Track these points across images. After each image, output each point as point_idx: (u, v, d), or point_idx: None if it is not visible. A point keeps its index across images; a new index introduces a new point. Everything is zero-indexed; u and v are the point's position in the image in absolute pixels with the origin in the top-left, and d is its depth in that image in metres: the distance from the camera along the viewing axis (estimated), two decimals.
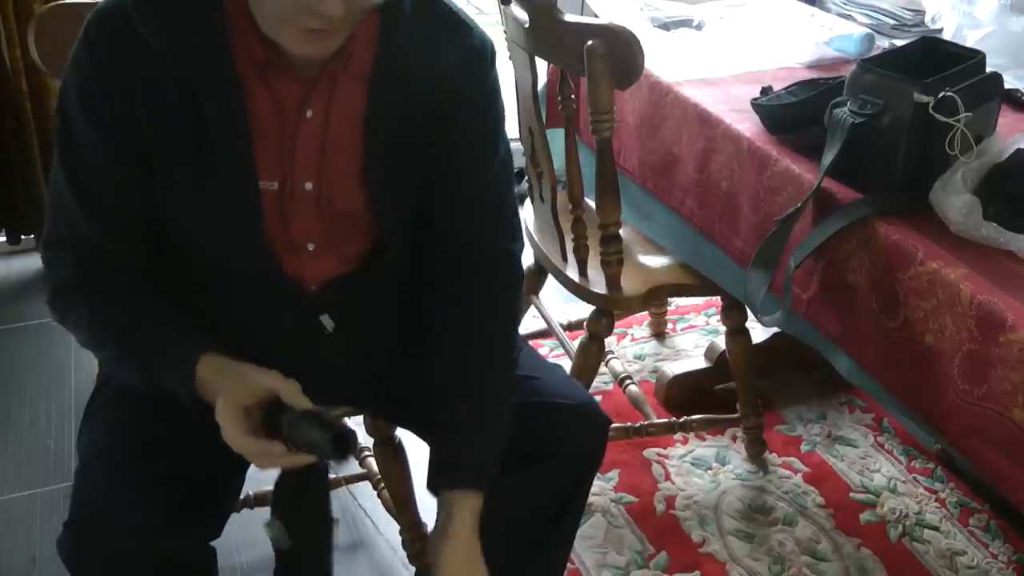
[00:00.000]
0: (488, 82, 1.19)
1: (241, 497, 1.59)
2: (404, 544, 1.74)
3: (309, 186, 1.14)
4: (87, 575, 1.14)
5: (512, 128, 2.00)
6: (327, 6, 0.95)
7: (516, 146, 2.00)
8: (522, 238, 1.30)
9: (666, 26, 2.07)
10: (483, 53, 1.18)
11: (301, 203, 1.14)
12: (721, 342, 2.12)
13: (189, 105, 1.06)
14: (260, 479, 1.42)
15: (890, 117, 1.35)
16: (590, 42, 1.52)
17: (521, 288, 1.31)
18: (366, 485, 1.85)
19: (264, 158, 1.11)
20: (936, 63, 1.39)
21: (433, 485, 1.19)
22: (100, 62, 1.06)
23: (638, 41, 1.52)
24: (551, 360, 2.33)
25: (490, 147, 1.22)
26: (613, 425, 2.01)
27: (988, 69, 1.42)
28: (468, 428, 1.19)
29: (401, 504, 1.71)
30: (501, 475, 1.19)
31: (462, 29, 1.17)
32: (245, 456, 1.05)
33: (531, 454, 1.23)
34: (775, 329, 1.87)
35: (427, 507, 1.70)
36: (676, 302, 2.57)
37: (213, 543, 1.23)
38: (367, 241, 1.22)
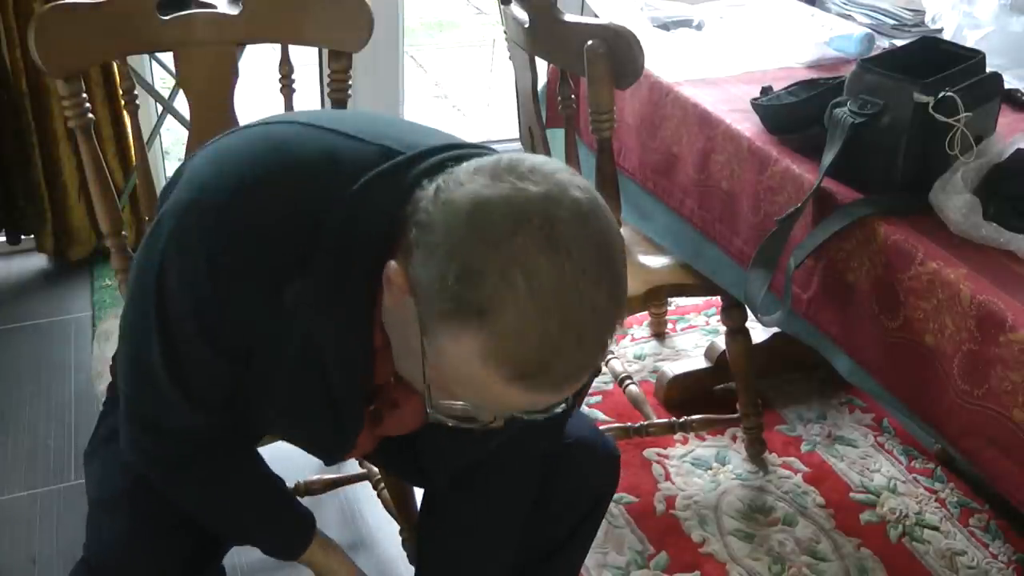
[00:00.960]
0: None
1: None
2: (404, 544, 1.74)
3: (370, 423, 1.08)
4: None
5: (512, 128, 2.00)
6: (495, 424, 0.88)
7: (516, 146, 2.01)
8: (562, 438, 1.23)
9: (666, 26, 2.07)
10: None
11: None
12: (721, 342, 2.12)
13: (311, 349, 0.94)
14: None
15: (890, 117, 1.35)
16: (590, 42, 1.52)
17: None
18: (366, 485, 1.86)
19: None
20: (936, 63, 1.39)
21: None
22: (226, 297, 0.90)
23: (638, 41, 1.52)
24: None
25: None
26: (613, 425, 2.02)
27: (988, 69, 1.42)
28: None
29: (401, 504, 1.71)
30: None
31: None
32: None
33: (541, 491, 1.24)
34: (775, 329, 1.87)
35: None
36: (676, 302, 2.57)
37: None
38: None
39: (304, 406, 1.00)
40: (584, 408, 2.10)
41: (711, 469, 2.04)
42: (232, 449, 1.11)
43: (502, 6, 1.78)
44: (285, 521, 1.20)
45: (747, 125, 1.62)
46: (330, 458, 1.16)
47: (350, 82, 1.61)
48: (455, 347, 0.78)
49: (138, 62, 2.51)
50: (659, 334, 2.48)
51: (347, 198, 0.87)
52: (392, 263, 0.83)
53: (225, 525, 1.17)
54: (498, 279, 0.75)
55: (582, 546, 1.37)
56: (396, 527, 1.75)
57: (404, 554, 1.74)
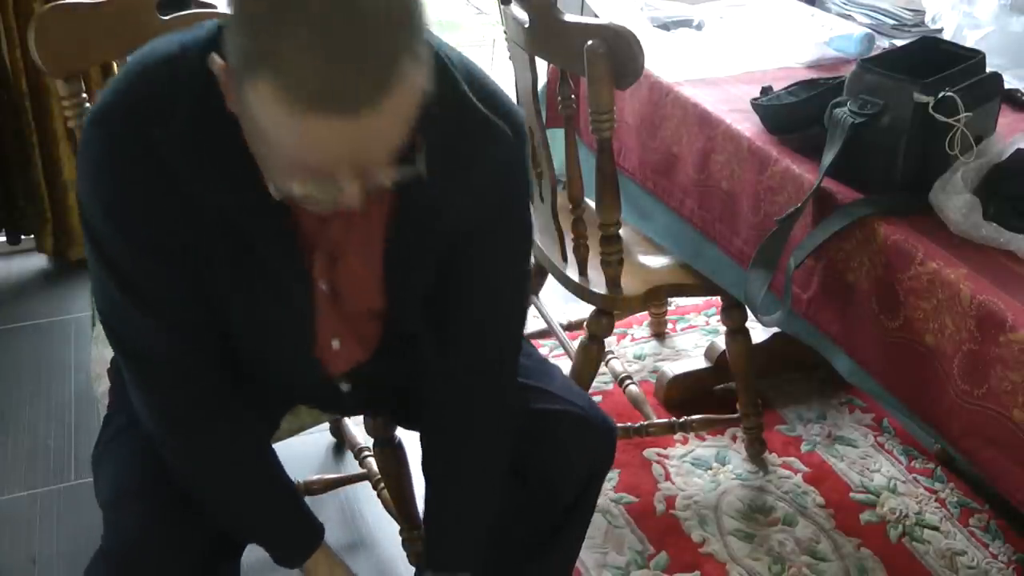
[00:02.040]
0: (519, 188, 1.13)
1: None
2: (404, 544, 1.74)
3: (324, 286, 1.10)
4: None
5: None
6: (345, 200, 0.88)
7: None
8: (517, 361, 1.25)
9: (666, 26, 2.07)
10: (515, 164, 1.10)
11: (322, 303, 1.12)
12: (721, 342, 2.12)
13: (223, 221, 1.01)
14: None
15: (890, 117, 1.35)
16: (590, 42, 1.52)
17: (514, 410, 1.26)
18: (366, 485, 1.85)
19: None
20: (936, 63, 1.39)
21: (424, 569, 1.25)
22: (126, 186, 0.98)
23: (638, 41, 1.52)
24: (551, 360, 2.33)
25: (512, 263, 1.18)
26: None
27: (988, 69, 1.42)
28: (453, 524, 1.24)
29: (401, 504, 1.71)
30: (505, 483, 1.24)
31: (494, 135, 1.06)
32: None
33: (534, 463, 1.24)
34: (775, 329, 1.87)
35: None
36: (676, 302, 2.57)
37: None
38: (385, 333, 1.22)
39: (248, 289, 1.06)
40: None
41: (711, 469, 2.04)
42: (234, 413, 1.14)
43: (502, 6, 1.78)
44: (291, 524, 1.21)
45: (747, 125, 1.62)
46: (305, 358, 1.17)
47: None
48: (260, 104, 0.82)
49: None
50: (659, 334, 2.48)
51: (185, 51, 0.96)
52: (212, 54, 0.89)
53: (230, 513, 1.17)
54: (270, 21, 0.79)
55: (577, 533, 1.36)
56: (396, 527, 1.75)
57: (404, 554, 1.74)
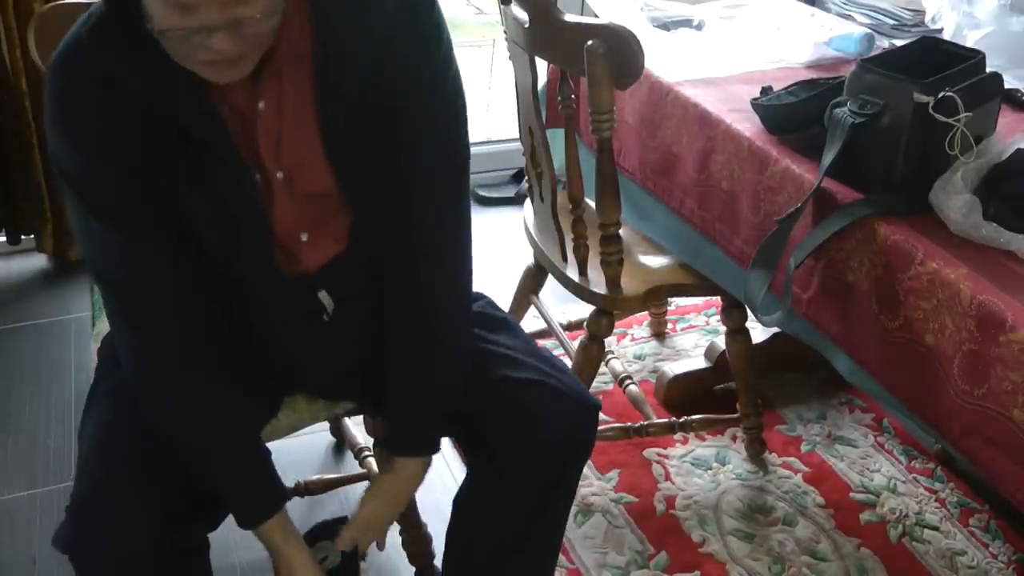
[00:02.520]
0: (429, 28, 1.16)
1: None
2: (404, 544, 1.74)
3: (280, 175, 1.15)
4: (87, 559, 1.16)
5: (512, 128, 2.00)
6: (215, 44, 0.97)
7: (516, 146, 2.01)
8: (467, 178, 1.27)
9: (666, 26, 2.07)
10: (417, 4, 1.14)
11: (279, 193, 1.17)
12: (721, 342, 2.12)
13: (167, 126, 1.08)
14: None
15: (890, 117, 1.35)
16: (590, 42, 1.52)
17: (469, 228, 1.28)
18: (366, 485, 1.85)
19: (243, 156, 1.13)
20: (936, 63, 1.39)
21: (382, 447, 1.31)
22: (86, 115, 1.07)
23: (638, 41, 1.52)
24: None
25: (437, 91, 1.19)
26: (613, 425, 2.02)
27: (988, 69, 1.42)
28: (414, 401, 1.28)
29: None
30: (483, 458, 1.28)
31: None
32: None
33: (502, 432, 1.25)
34: (775, 329, 1.87)
35: (427, 507, 1.70)
36: (676, 302, 2.57)
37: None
38: (348, 220, 1.24)
39: (206, 195, 1.11)
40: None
41: (711, 469, 2.04)
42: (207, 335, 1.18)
43: (502, 6, 1.78)
44: (254, 483, 1.23)
45: (747, 125, 1.62)
46: (271, 260, 1.19)
47: None
48: None
49: None
50: (659, 334, 2.48)
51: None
52: None
53: (196, 460, 1.20)
54: None
55: (557, 519, 1.36)
56: (396, 527, 1.75)
57: (404, 554, 1.74)
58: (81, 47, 1.06)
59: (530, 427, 1.25)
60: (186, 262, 1.15)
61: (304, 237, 1.21)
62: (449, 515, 1.39)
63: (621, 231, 1.72)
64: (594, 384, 2.02)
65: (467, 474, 1.38)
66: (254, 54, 1.04)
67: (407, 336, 1.26)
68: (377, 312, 1.29)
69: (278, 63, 1.10)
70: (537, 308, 2.19)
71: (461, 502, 1.38)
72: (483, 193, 3.21)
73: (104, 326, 1.55)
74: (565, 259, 1.85)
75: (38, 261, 2.75)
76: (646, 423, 1.98)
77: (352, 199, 1.20)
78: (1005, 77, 1.49)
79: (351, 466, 1.95)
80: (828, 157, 1.41)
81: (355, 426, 1.91)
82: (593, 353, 1.86)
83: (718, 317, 2.13)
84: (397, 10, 1.12)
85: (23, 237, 2.69)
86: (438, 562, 1.70)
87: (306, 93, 1.13)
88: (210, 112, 1.09)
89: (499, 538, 1.33)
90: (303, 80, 1.12)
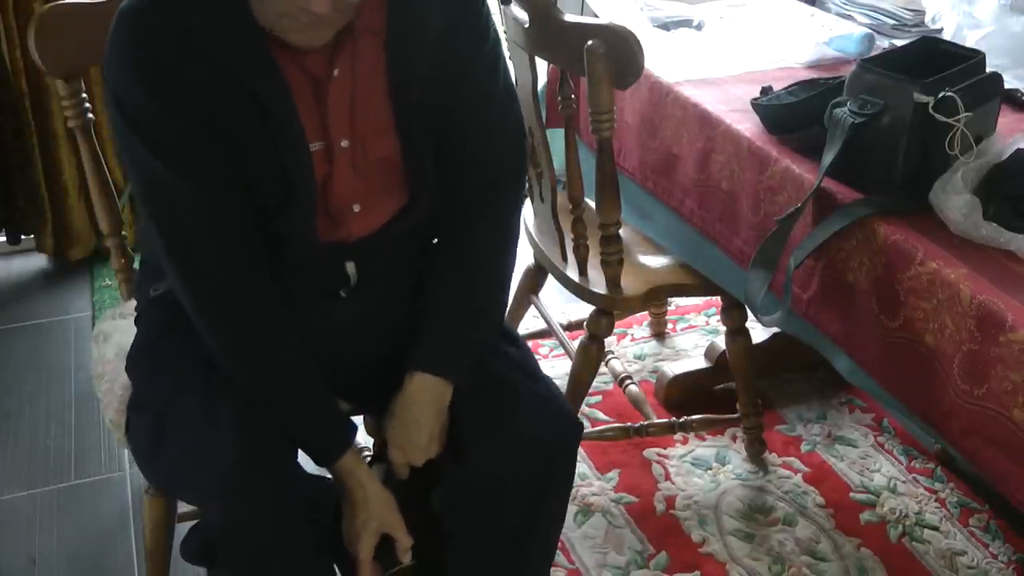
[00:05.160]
0: (484, 8, 1.26)
1: None
2: None
3: (345, 143, 1.19)
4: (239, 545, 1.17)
5: None
6: (314, 6, 1.03)
7: None
8: (521, 176, 1.38)
9: (666, 26, 2.07)
10: None
11: (341, 161, 1.20)
12: (721, 342, 2.12)
13: (236, 85, 1.12)
14: None
15: (890, 117, 1.35)
16: (590, 42, 1.52)
17: (520, 211, 1.38)
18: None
19: (307, 123, 1.17)
20: (936, 63, 1.39)
21: (405, 367, 1.27)
22: (153, 51, 1.10)
23: (638, 41, 1.52)
24: (551, 360, 2.34)
25: (491, 75, 1.28)
26: (613, 425, 2.02)
27: (988, 69, 1.42)
28: (445, 319, 1.28)
29: (401, 504, 1.70)
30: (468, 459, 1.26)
31: None
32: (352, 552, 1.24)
33: (490, 436, 1.25)
34: (775, 329, 1.87)
35: None
36: (676, 302, 2.57)
37: None
38: (403, 194, 1.27)
39: (266, 152, 1.15)
40: (585, 408, 2.10)
41: (711, 469, 2.04)
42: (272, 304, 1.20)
43: (502, 6, 1.78)
44: (329, 419, 1.26)
45: (747, 125, 1.62)
46: (313, 227, 1.21)
47: None
48: None
49: None
50: (659, 334, 2.48)
51: None
52: None
53: (269, 404, 1.21)
54: None
55: (550, 524, 1.35)
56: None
57: None
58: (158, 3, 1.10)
59: (511, 430, 1.25)
60: (240, 206, 1.17)
61: (356, 208, 1.24)
62: None
63: (621, 231, 1.72)
64: (594, 384, 2.02)
65: (444, 486, 1.33)
66: (341, 20, 1.10)
67: (448, 257, 1.30)
68: (391, 296, 1.32)
69: (356, 32, 1.15)
70: (537, 308, 2.19)
71: (445, 517, 1.33)
72: None
73: (104, 326, 1.55)
74: (565, 259, 1.85)
75: (38, 261, 2.75)
76: (646, 423, 1.98)
77: (413, 168, 1.24)
78: (1005, 77, 1.49)
79: None
80: (828, 157, 1.41)
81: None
82: (593, 353, 1.86)
83: (718, 317, 2.13)
84: None
85: (23, 237, 2.70)
86: None
87: (379, 63, 1.19)
88: (278, 79, 1.13)
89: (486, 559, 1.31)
90: (376, 51, 1.18)
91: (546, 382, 1.33)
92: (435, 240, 1.34)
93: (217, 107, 1.12)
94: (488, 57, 1.27)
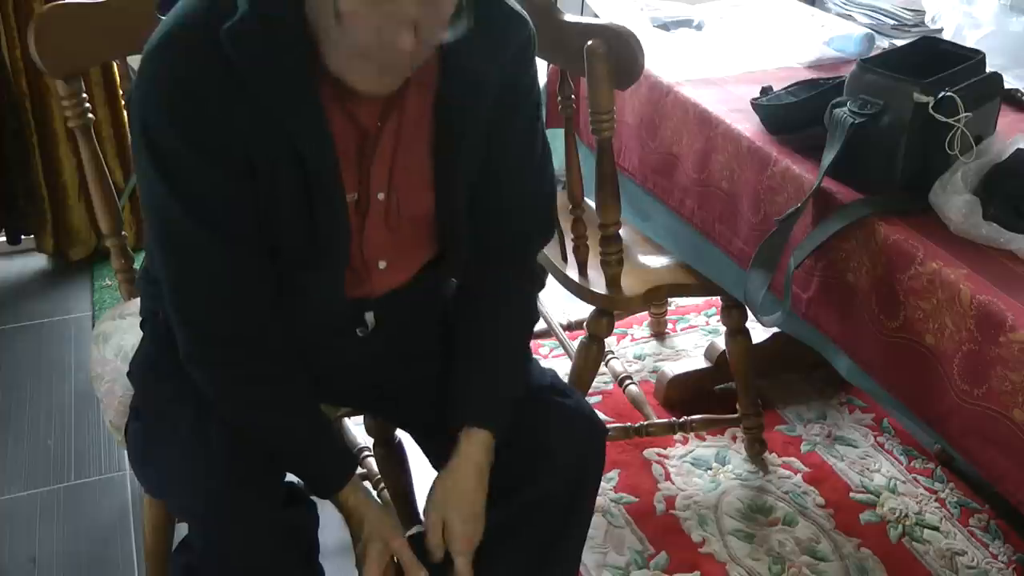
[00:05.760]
0: (534, 68, 1.24)
1: None
2: None
3: (381, 196, 1.16)
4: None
5: None
6: (400, 42, 0.97)
7: None
8: (551, 231, 1.36)
9: (666, 26, 2.07)
10: (532, 42, 1.21)
11: (374, 214, 1.17)
12: (721, 342, 2.12)
13: (277, 133, 1.06)
14: None
15: (890, 117, 1.35)
16: (590, 42, 1.52)
17: (540, 283, 1.37)
18: (366, 485, 1.85)
19: (346, 175, 1.12)
20: (936, 63, 1.39)
21: (447, 423, 1.24)
22: (195, 91, 1.03)
23: (638, 41, 1.52)
24: (551, 360, 2.34)
25: (533, 132, 1.26)
26: (613, 425, 2.02)
27: (988, 69, 1.42)
28: (483, 370, 1.26)
29: (401, 504, 1.71)
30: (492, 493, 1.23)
31: (519, 23, 1.19)
32: None
33: (524, 452, 1.24)
34: (775, 329, 1.87)
35: None
36: (676, 302, 2.57)
37: None
38: (431, 249, 1.26)
39: (300, 206, 1.10)
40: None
41: (711, 469, 2.04)
42: (279, 354, 1.18)
43: None
44: (325, 454, 1.24)
45: (747, 125, 1.62)
46: (340, 283, 1.19)
47: None
48: None
49: (138, 62, 2.51)
50: (659, 334, 2.48)
51: None
52: None
53: (269, 440, 1.20)
54: None
55: (573, 545, 1.33)
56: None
57: None
58: (214, 33, 1.01)
59: (544, 448, 1.24)
60: (261, 262, 1.13)
61: (382, 265, 1.22)
62: None
63: (621, 231, 1.72)
64: (594, 384, 2.02)
65: None
66: (414, 64, 1.05)
67: (482, 310, 1.29)
68: (407, 330, 1.31)
69: (408, 84, 1.10)
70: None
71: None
72: None
73: (104, 326, 1.55)
74: (565, 259, 1.85)
75: (38, 261, 2.75)
76: (646, 423, 1.98)
77: (446, 223, 1.22)
78: (1005, 77, 1.49)
79: None
80: (828, 157, 1.41)
81: (355, 426, 1.91)
82: (593, 353, 1.86)
83: (718, 317, 2.13)
84: (521, 48, 1.19)
85: (23, 237, 2.70)
86: None
87: (424, 117, 1.15)
88: (324, 130, 1.07)
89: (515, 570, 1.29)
90: (424, 105, 1.14)
91: (575, 396, 1.33)
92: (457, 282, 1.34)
93: (255, 157, 1.06)
94: (532, 111, 1.24)
